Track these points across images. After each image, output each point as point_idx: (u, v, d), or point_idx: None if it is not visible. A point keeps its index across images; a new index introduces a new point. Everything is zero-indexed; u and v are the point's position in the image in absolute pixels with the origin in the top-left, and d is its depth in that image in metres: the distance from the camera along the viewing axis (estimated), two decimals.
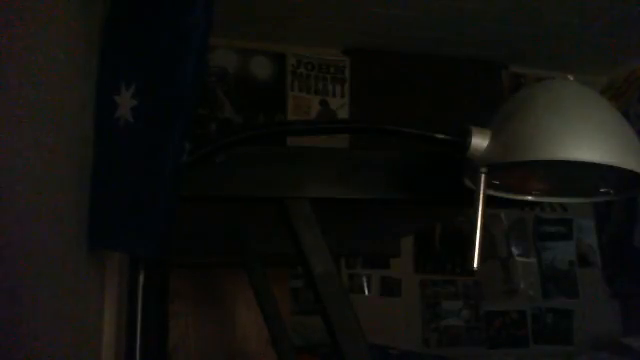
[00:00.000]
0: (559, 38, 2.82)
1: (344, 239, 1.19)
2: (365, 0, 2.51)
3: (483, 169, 0.62)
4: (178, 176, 0.60)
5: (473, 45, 2.93)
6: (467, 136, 0.62)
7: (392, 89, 2.98)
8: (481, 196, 0.61)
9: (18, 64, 0.44)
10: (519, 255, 3.05)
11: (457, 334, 2.92)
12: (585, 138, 0.58)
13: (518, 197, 0.71)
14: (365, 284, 2.84)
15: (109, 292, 0.73)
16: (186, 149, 0.61)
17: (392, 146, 0.79)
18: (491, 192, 0.67)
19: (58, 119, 0.53)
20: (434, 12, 2.59)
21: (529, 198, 0.71)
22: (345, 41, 2.92)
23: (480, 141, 0.62)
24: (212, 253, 1.37)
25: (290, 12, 2.59)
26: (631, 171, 0.58)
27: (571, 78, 0.67)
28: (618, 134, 0.60)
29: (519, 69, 3.17)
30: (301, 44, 2.91)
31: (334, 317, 0.70)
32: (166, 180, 0.58)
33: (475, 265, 0.59)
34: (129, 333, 0.78)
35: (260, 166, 0.73)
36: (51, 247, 0.53)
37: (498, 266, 3.01)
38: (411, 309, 2.89)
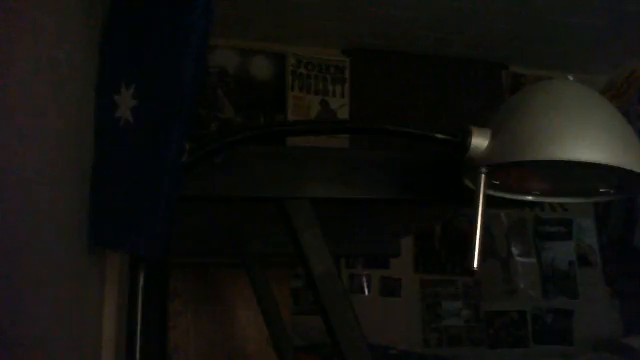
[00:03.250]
0: (559, 38, 2.82)
1: (344, 239, 1.19)
2: (365, 0, 2.51)
3: (483, 169, 0.62)
4: (178, 176, 0.60)
5: (473, 45, 2.93)
6: (467, 136, 0.62)
7: (392, 89, 2.97)
8: (481, 196, 0.61)
9: (18, 64, 0.44)
10: (519, 255, 3.05)
11: (457, 334, 2.92)
12: (585, 138, 0.58)
13: (518, 197, 0.71)
14: (365, 284, 2.84)
15: (109, 292, 0.73)
16: (186, 149, 0.61)
17: (392, 146, 0.79)
18: (491, 192, 0.67)
19: (58, 119, 0.53)
20: (434, 12, 2.59)
21: (529, 198, 0.71)
22: (345, 41, 2.92)
23: (480, 141, 0.62)
24: (212, 253, 1.37)
25: (290, 12, 2.59)
26: (631, 171, 0.58)
27: (571, 78, 0.67)
28: (618, 134, 0.60)
29: (519, 69, 3.17)
30: (301, 44, 2.91)
31: (334, 317, 0.70)
32: (166, 180, 0.58)
33: (475, 265, 0.59)
34: (129, 333, 0.78)
35: (260, 166, 0.73)
36: (51, 247, 0.53)
37: (498, 266, 3.00)
38: (411, 309, 2.88)
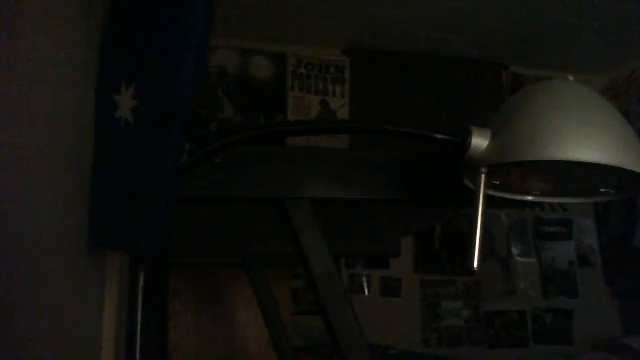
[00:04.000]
0: (559, 38, 2.82)
1: (344, 239, 1.19)
2: (365, 0, 2.51)
3: (483, 169, 0.62)
4: (178, 176, 0.60)
5: (473, 45, 2.93)
6: (467, 136, 0.62)
7: (392, 89, 2.98)
8: (481, 196, 0.61)
9: (19, 64, 0.44)
10: (519, 255, 3.05)
11: (457, 334, 2.92)
12: (585, 138, 0.58)
13: (518, 197, 0.71)
14: (365, 284, 2.84)
15: (109, 292, 0.73)
16: (186, 149, 0.61)
17: (392, 146, 0.79)
18: (491, 192, 0.67)
19: (58, 119, 0.53)
20: (434, 12, 2.59)
21: (529, 198, 0.71)
22: (345, 41, 2.92)
23: (480, 141, 0.62)
24: (212, 253, 1.37)
25: (290, 12, 2.59)
26: (631, 171, 0.58)
27: (571, 78, 0.67)
28: (618, 134, 0.60)
29: (519, 69, 3.17)
30: (301, 44, 2.91)
31: (334, 317, 0.70)
32: (166, 180, 0.58)
33: (475, 265, 0.59)
34: (129, 333, 0.78)
35: (260, 166, 0.73)
36: (51, 247, 0.53)
37: (498, 266, 3.00)
38: (411, 309, 2.89)
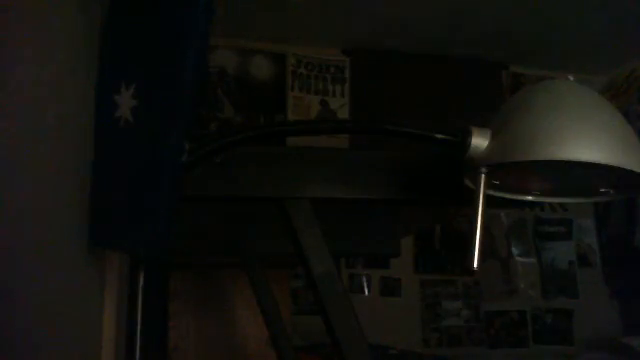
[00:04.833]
0: (559, 38, 2.82)
1: (344, 239, 1.19)
2: (365, 0, 2.51)
3: (483, 169, 0.62)
4: (178, 176, 0.60)
5: (473, 45, 2.92)
6: (467, 136, 0.62)
7: (392, 89, 2.97)
8: (481, 196, 0.61)
9: (18, 64, 0.44)
10: (519, 255, 3.05)
11: (457, 334, 2.92)
12: (585, 138, 0.58)
13: (518, 197, 0.71)
14: (365, 284, 2.84)
15: (109, 292, 0.73)
16: (186, 149, 0.61)
17: (392, 146, 0.79)
18: (491, 192, 0.67)
19: (58, 119, 0.53)
20: (434, 12, 2.59)
21: (529, 198, 0.71)
22: (345, 41, 2.92)
23: (480, 141, 0.62)
24: (212, 253, 1.37)
25: (290, 12, 2.59)
26: (631, 171, 0.58)
27: (571, 78, 0.67)
28: (618, 134, 0.60)
29: (519, 69, 3.16)
30: (301, 44, 2.91)
31: (334, 317, 0.70)
32: (166, 180, 0.58)
33: (475, 265, 0.59)
34: (129, 333, 0.78)
35: (260, 166, 0.73)
36: (51, 247, 0.53)
37: (498, 266, 3.00)
38: (411, 309, 2.88)
